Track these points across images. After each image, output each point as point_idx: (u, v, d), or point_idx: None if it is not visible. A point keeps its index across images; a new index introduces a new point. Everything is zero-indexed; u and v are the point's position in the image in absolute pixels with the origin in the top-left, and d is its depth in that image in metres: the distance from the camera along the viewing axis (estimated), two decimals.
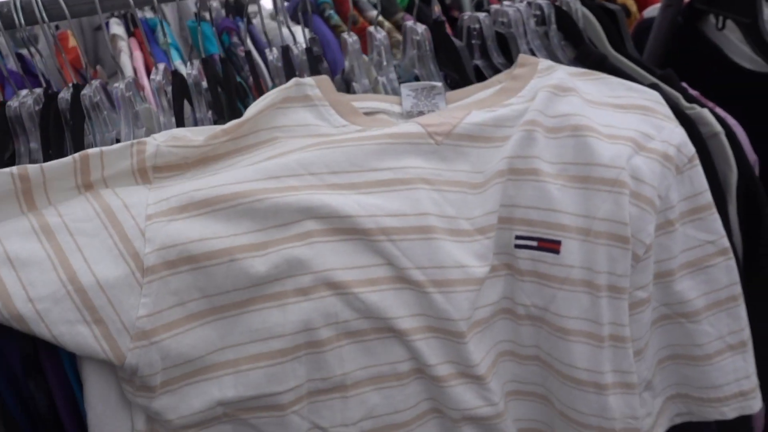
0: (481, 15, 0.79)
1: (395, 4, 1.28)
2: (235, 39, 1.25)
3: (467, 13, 0.81)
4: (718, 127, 0.68)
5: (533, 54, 0.79)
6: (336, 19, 1.25)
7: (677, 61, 0.93)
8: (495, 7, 0.82)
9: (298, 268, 0.58)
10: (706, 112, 0.69)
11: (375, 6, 1.26)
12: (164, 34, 1.28)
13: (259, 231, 0.58)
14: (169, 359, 0.56)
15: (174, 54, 1.20)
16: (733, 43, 0.85)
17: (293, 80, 0.66)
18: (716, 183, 0.68)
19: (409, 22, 0.79)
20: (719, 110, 0.72)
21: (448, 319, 0.60)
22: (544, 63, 0.70)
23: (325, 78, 0.68)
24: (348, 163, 0.61)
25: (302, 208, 0.58)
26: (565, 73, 0.69)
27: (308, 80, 0.67)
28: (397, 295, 0.60)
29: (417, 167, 0.62)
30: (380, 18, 1.24)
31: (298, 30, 1.17)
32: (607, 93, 0.68)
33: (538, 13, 0.81)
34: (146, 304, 0.55)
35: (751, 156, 0.71)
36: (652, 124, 0.65)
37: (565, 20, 0.80)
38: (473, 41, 0.81)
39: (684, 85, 0.75)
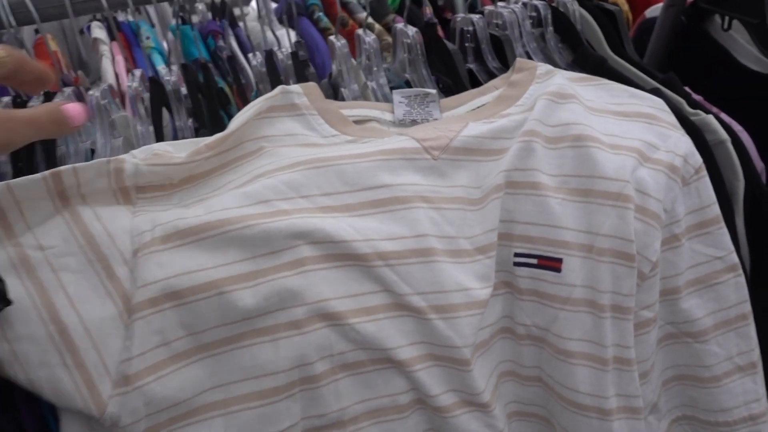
0: (475, 17, 0.76)
1: (386, 6, 1.24)
2: (221, 43, 1.21)
3: (460, 15, 0.78)
4: (725, 135, 0.64)
5: (529, 57, 0.75)
6: (325, 21, 1.22)
7: (680, 61, 0.90)
8: (489, 8, 0.78)
9: (291, 300, 0.54)
10: (711, 118, 0.65)
11: (365, 8, 1.23)
12: (147, 38, 1.24)
13: (248, 260, 0.54)
14: (154, 404, 0.51)
15: (157, 58, 1.16)
16: (739, 43, 0.82)
17: (279, 88, 0.63)
18: (723, 193, 0.64)
19: (400, 25, 0.76)
20: (724, 116, 0.68)
21: (452, 346, 0.56)
22: (542, 68, 0.66)
23: (312, 85, 0.64)
24: (341, 183, 0.57)
25: (294, 233, 0.54)
26: (564, 79, 0.65)
27: (295, 88, 0.63)
28: (395, 323, 0.56)
29: (414, 184, 0.58)
30: (370, 20, 1.20)
31: (285, 33, 1.14)
32: (608, 100, 0.64)
33: (534, 14, 0.78)
34: (128, 347, 0.51)
35: (758, 164, 0.67)
36: (656, 133, 0.61)
37: (562, 22, 0.76)
38: (466, 44, 0.77)
39: (687, 89, 0.71)
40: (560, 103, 0.62)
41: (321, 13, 1.24)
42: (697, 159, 0.61)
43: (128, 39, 1.21)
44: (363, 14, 1.23)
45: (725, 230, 0.61)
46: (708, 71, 0.85)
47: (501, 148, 0.61)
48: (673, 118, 0.63)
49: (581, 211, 0.59)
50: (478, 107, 0.66)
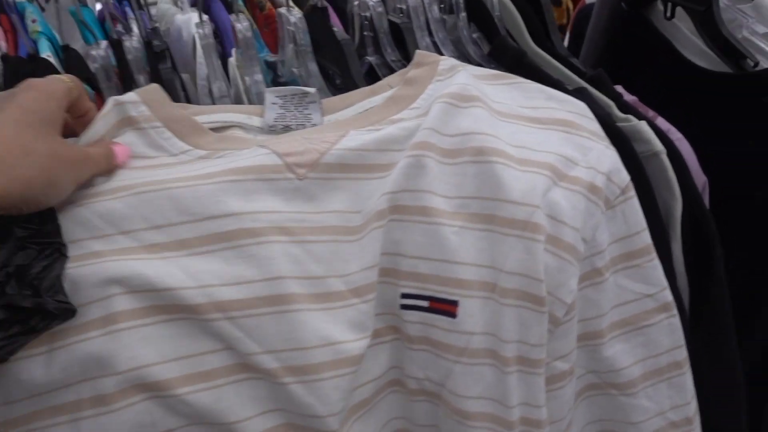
0: (373, 0, 0.63)
1: None
2: (118, 27, 1.09)
3: None
4: (659, 146, 0.54)
5: (437, 49, 0.64)
6: (240, 4, 1.09)
7: (621, 49, 0.79)
8: None
9: (96, 369, 0.41)
10: (644, 125, 0.54)
11: None
12: (33, 21, 1.11)
13: None
14: None
15: (44, 45, 1.03)
16: (683, 33, 0.71)
17: (110, 101, 0.49)
18: (656, 215, 0.54)
19: (282, 9, 0.63)
20: (661, 121, 0.58)
21: (313, 416, 0.45)
22: (445, 62, 0.55)
23: (153, 88, 0.51)
24: (175, 212, 0.45)
25: (104, 280, 0.42)
26: (469, 76, 0.54)
27: (129, 96, 0.49)
28: (241, 390, 0.44)
29: (271, 212, 0.46)
30: (291, 4, 1.08)
31: (195, 16, 1.02)
32: (522, 102, 0.53)
33: None
34: None
35: (700, 178, 0.57)
36: (575, 145, 0.50)
37: (478, 8, 0.65)
38: (365, 33, 0.65)
39: (619, 89, 0.60)
40: (461, 108, 0.51)
41: None
42: (624, 177, 0.50)
43: (12, 22, 1.07)
44: None
45: (657, 262, 0.51)
46: (650, 61, 0.74)
47: (388, 162, 0.49)
48: (596, 126, 0.52)
49: (483, 242, 0.48)
50: (368, 110, 0.54)
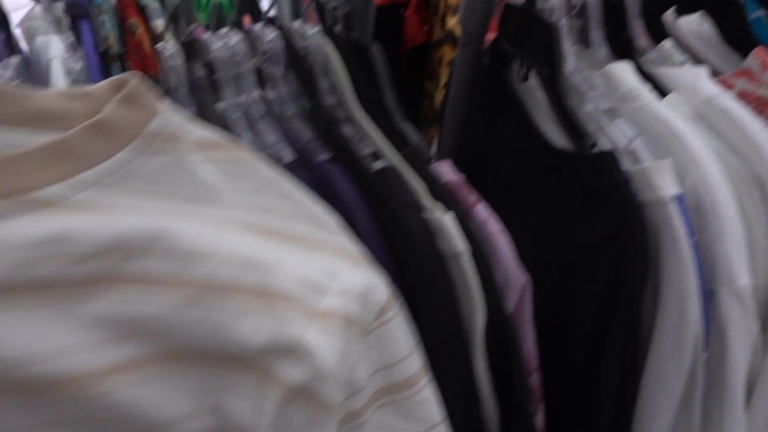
0: (168, 50, 0.55)
1: (191, 11, 1.03)
2: None
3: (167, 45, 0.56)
4: (459, 246, 0.46)
5: (246, 110, 0.56)
6: (107, 27, 1.00)
7: (487, 97, 0.71)
8: (204, 37, 0.57)
9: None
10: (447, 221, 0.47)
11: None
12: None
13: None
14: None
15: None
16: (536, 98, 0.64)
17: None
18: (456, 326, 0.46)
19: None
20: (480, 209, 0.51)
21: None
22: (161, 121, 0.37)
23: None
24: None
25: None
26: (191, 161, 0.38)
27: None
28: None
29: None
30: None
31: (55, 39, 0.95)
32: (254, 199, 0.39)
33: (268, 47, 0.58)
34: None
35: (518, 278, 0.49)
36: (319, 268, 0.38)
37: (297, 63, 0.57)
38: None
39: (442, 168, 0.53)
40: (180, 209, 0.36)
41: (106, 17, 1.02)
42: (380, 296, 0.39)
43: None
44: (158, 21, 1.02)
45: (426, 394, 0.42)
46: (510, 123, 0.67)
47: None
48: (339, 240, 0.41)
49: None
50: (14, 153, 0.32)
